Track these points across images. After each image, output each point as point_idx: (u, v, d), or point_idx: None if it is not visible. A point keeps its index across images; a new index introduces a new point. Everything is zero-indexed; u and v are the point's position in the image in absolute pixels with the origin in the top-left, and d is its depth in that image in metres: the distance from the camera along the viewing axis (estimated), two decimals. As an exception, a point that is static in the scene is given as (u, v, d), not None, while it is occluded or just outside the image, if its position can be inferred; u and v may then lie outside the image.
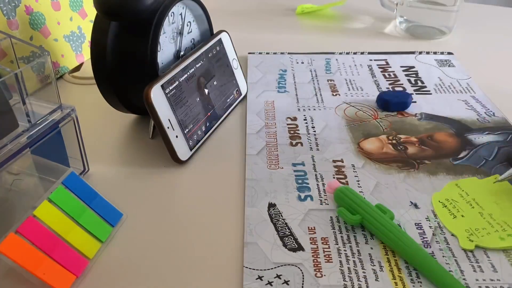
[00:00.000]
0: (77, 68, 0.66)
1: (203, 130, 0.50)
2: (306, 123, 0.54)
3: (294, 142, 0.50)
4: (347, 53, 0.70)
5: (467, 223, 0.41)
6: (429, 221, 0.41)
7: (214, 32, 0.57)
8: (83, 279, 0.36)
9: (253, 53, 0.69)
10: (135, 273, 0.37)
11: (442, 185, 0.45)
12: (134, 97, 0.49)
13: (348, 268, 0.36)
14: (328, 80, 0.63)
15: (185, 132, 0.48)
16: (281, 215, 0.41)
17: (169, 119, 0.46)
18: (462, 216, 0.41)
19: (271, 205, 0.42)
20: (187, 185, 0.45)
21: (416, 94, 0.60)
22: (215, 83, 0.53)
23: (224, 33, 0.57)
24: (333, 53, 0.70)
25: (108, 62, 0.47)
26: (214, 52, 0.54)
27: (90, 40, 0.47)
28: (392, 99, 0.55)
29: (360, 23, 0.81)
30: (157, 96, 0.45)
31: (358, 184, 0.45)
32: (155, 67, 0.47)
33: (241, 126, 0.54)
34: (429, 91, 0.60)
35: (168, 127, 0.45)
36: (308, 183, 0.45)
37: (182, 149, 0.47)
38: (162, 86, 0.45)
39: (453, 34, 0.76)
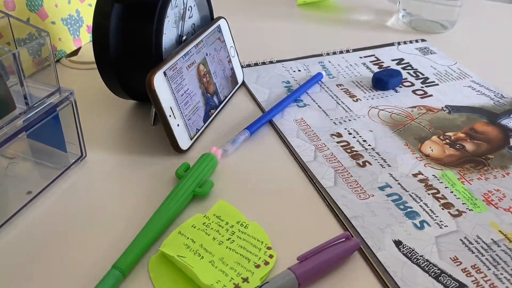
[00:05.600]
0: (75, 53, 0.64)
1: (203, 118, 0.49)
2: (354, 137, 0.49)
3: (360, 162, 0.45)
4: (334, 53, 0.66)
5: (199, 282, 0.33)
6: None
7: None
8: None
9: (243, 66, 0.62)
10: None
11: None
12: (136, 83, 0.48)
13: None
14: (337, 86, 0.58)
15: (186, 120, 0.47)
16: (416, 252, 0.36)
17: (171, 107, 0.44)
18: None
19: (398, 243, 0.37)
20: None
21: (426, 87, 0.58)
22: (213, 70, 0.52)
23: (222, 19, 0.56)
24: (321, 55, 0.66)
25: (111, 46, 0.45)
26: (213, 39, 0.53)
27: (92, 23, 0.46)
28: (387, 78, 0.57)
29: (363, 15, 0.80)
30: (160, 82, 0.43)
31: (456, 197, 0.41)
32: (160, 51, 0.45)
33: (241, 116, 0.53)
34: (434, 81, 0.60)
35: (170, 115, 0.44)
36: (411, 207, 0.40)
37: (183, 138, 0.45)
38: (164, 72, 0.43)
39: (456, 28, 0.75)
